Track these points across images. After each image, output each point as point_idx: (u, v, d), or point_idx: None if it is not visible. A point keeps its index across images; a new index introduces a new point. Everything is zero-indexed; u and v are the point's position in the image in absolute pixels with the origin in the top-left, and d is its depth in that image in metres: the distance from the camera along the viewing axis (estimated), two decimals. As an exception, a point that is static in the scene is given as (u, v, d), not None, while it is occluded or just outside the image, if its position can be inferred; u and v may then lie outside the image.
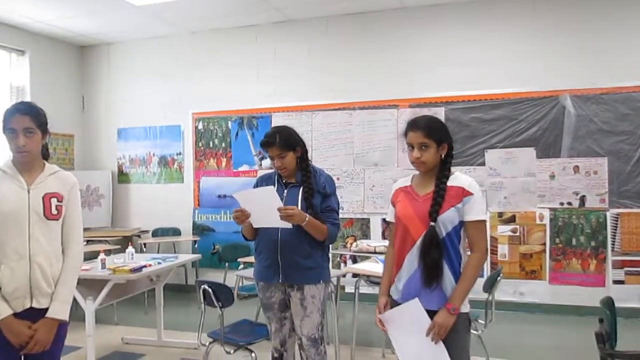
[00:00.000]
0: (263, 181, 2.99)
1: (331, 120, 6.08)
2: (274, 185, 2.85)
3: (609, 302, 2.50)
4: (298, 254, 2.79)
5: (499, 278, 3.70)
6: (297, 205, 2.77)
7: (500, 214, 5.60)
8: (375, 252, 4.48)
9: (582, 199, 5.37)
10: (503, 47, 5.61)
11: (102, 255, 4.11)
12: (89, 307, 3.88)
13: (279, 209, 2.63)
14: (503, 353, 4.18)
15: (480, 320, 3.62)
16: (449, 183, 2.27)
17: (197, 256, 5.13)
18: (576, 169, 5.37)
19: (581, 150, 5.35)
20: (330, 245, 2.96)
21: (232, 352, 3.30)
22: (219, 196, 6.64)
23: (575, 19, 5.40)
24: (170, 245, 6.61)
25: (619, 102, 5.24)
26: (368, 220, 6.00)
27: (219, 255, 6.25)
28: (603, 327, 2.38)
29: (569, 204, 5.41)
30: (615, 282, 5.28)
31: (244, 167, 6.52)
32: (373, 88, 5.95)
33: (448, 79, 5.71)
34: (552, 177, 5.44)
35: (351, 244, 5.04)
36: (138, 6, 5.75)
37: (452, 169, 2.34)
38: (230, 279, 5.10)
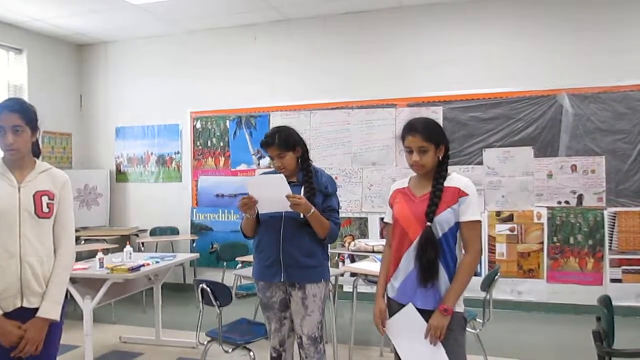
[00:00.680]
0: None
1: (329, 120, 6.08)
2: None
3: (606, 301, 2.50)
4: (300, 252, 2.79)
5: (496, 277, 3.71)
6: None
7: (498, 213, 5.61)
8: (373, 252, 4.48)
9: (580, 198, 5.38)
10: (501, 46, 5.62)
11: (100, 254, 4.11)
12: (87, 306, 3.88)
13: (287, 196, 2.64)
14: (501, 352, 4.19)
15: (478, 319, 3.63)
16: (446, 184, 2.28)
17: (195, 255, 5.12)
18: (574, 167, 5.38)
19: (579, 149, 5.37)
20: (329, 245, 2.96)
21: (230, 351, 3.30)
22: (217, 195, 6.63)
23: (573, 18, 5.42)
24: (168, 244, 6.61)
25: (617, 101, 5.25)
26: (366, 219, 6.01)
27: (217, 254, 6.26)
28: (600, 326, 2.39)
29: (567, 202, 5.42)
30: (613, 280, 5.30)
31: (242, 166, 6.52)
32: (371, 87, 5.96)
33: (446, 78, 5.72)
34: (550, 176, 5.45)
35: (349, 243, 5.04)
36: (136, 5, 5.74)
37: (450, 168, 2.37)
38: (228, 278, 5.10)
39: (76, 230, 6.06)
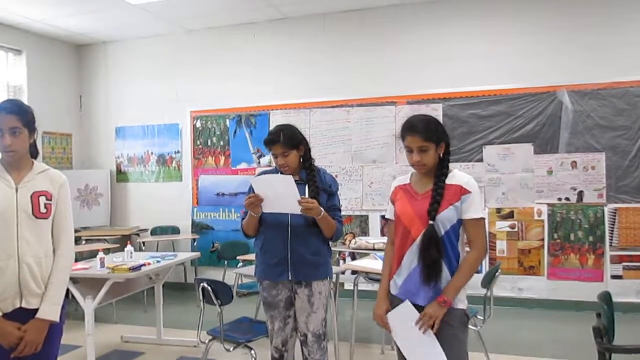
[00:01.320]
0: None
1: (329, 118, 6.08)
2: None
3: (606, 297, 2.51)
4: (308, 250, 2.81)
5: (497, 274, 3.71)
6: None
7: (498, 210, 5.61)
8: (374, 249, 4.49)
9: (580, 194, 5.38)
10: (501, 43, 5.62)
11: (100, 254, 4.11)
12: (88, 305, 3.88)
13: (299, 201, 2.66)
14: (501, 348, 4.20)
15: (478, 316, 3.64)
16: (447, 181, 2.27)
17: (196, 254, 5.13)
18: (574, 164, 5.38)
19: (579, 146, 5.36)
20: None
21: (231, 349, 3.30)
22: (218, 194, 6.64)
23: (573, 14, 5.41)
24: (169, 243, 6.61)
25: (617, 97, 5.25)
26: (367, 217, 6.01)
27: (217, 253, 6.26)
28: (601, 322, 2.39)
29: (567, 199, 5.42)
30: (613, 277, 5.30)
31: (243, 165, 6.52)
32: (371, 85, 5.95)
33: (446, 75, 5.71)
34: (550, 172, 5.45)
35: (350, 241, 5.04)
36: (135, 5, 5.74)
37: (451, 165, 2.35)
38: (229, 277, 5.11)
39: (77, 231, 6.13)
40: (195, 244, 6.54)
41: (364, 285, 4.40)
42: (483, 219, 2.29)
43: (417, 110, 5.42)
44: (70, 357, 4.30)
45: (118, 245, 5.91)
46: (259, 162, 6.43)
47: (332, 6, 5.95)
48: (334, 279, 4.17)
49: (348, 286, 5.48)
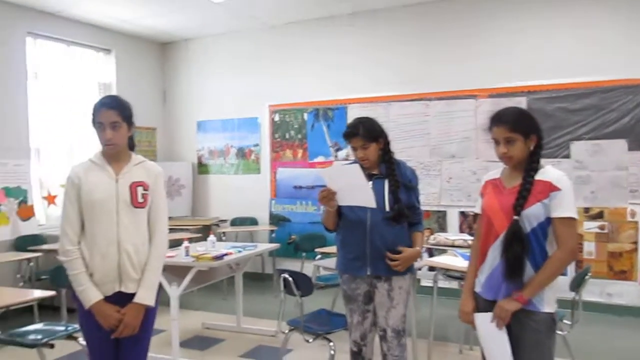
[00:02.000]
0: None
1: (407, 111, 5.99)
2: None
3: None
4: (387, 245, 2.77)
5: (587, 276, 3.52)
6: (383, 198, 2.76)
7: (586, 210, 5.31)
8: (453, 246, 4.38)
9: (680, 194, 4.99)
10: (592, 31, 5.27)
11: (185, 243, 4.27)
12: (174, 292, 4.05)
13: (389, 260, 2.73)
14: (588, 356, 3.98)
15: (565, 321, 3.46)
16: (538, 177, 2.18)
17: (276, 245, 5.21)
18: (673, 161, 4.99)
19: (679, 142, 4.98)
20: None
21: (311, 340, 3.34)
22: (295, 187, 6.72)
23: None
24: (248, 234, 6.78)
25: None
26: (445, 213, 5.87)
27: (295, 245, 6.34)
28: None
29: (665, 199, 5.05)
30: None
31: (320, 159, 6.56)
32: (450, 78, 5.80)
33: (530, 66, 5.46)
34: (646, 170, 5.09)
35: (428, 236, 4.95)
36: (216, 3, 5.90)
37: (542, 161, 2.25)
38: (307, 268, 5.16)
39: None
40: (273, 235, 6.66)
41: (442, 283, 4.31)
42: (574, 219, 2.14)
43: (498, 104, 5.17)
44: (155, 340, 4.45)
45: (200, 235, 6.12)
46: (336, 156, 6.45)
47: (412, -2, 5.85)
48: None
49: (424, 282, 5.40)
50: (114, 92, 6.71)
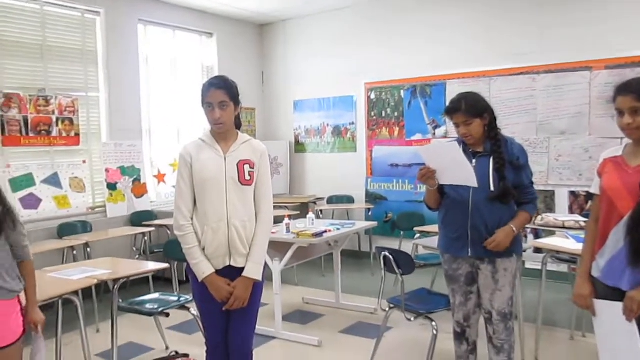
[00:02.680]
0: None
1: (512, 86, 5.68)
2: None
3: None
4: (489, 227, 2.66)
5: None
6: (487, 177, 2.64)
7: None
8: (564, 227, 4.13)
9: None
10: None
11: (287, 220, 4.39)
12: (276, 267, 4.18)
13: (485, 245, 2.63)
14: None
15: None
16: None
17: (373, 224, 5.21)
18: None
19: None
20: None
21: (412, 319, 3.31)
22: (392, 165, 6.65)
23: None
24: (344, 212, 6.83)
25: None
26: (552, 192, 5.54)
27: (392, 224, 6.31)
28: None
29: None
30: None
31: (417, 136, 6.43)
32: (560, 49, 5.39)
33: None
34: None
35: (535, 217, 4.70)
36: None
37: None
38: (405, 247, 5.11)
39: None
40: (369, 213, 6.66)
41: (550, 265, 4.09)
42: None
43: (617, 76, 4.81)
44: (260, 313, 4.62)
45: (298, 212, 6.25)
46: (434, 133, 6.28)
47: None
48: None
49: (529, 265, 5.17)
50: (216, 74, 6.92)
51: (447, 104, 2.78)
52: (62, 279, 3.16)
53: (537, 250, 4.29)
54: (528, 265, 5.18)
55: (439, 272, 4.65)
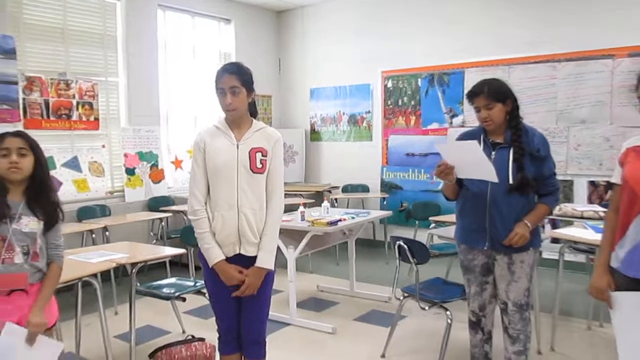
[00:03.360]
0: (467, 138, 2.77)
1: (531, 75, 5.60)
2: (480, 145, 2.66)
3: None
4: (507, 222, 2.62)
5: None
6: (506, 169, 2.60)
7: None
8: (582, 217, 4.08)
9: None
10: None
11: (301, 208, 4.40)
12: (290, 255, 4.20)
13: (505, 243, 2.59)
14: None
15: None
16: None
17: (388, 213, 5.20)
18: None
19: None
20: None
21: (427, 308, 3.31)
22: (407, 154, 6.62)
23: None
24: (359, 201, 6.82)
25: None
26: (571, 182, 5.48)
27: (406, 213, 6.30)
28: None
29: None
30: None
31: (434, 125, 6.38)
32: (581, 36, 5.30)
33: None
34: None
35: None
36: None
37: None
38: (419, 236, 5.10)
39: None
40: (384, 202, 6.64)
41: (567, 256, 4.05)
42: None
43: None
44: (273, 300, 4.61)
45: (313, 200, 6.26)
46: (451, 122, 6.23)
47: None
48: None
49: (545, 255, 5.13)
50: (233, 61, 6.93)
51: (470, 88, 2.71)
52: (81, 261, 3.20)
53: (555, 240, 4.24)
54: (545, 255, 5.15)
55: (454, 261, 4.63)
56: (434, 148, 6.33)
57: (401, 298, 3.52)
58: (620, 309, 2.10)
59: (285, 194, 7.13)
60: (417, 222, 5.70)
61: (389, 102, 6.76)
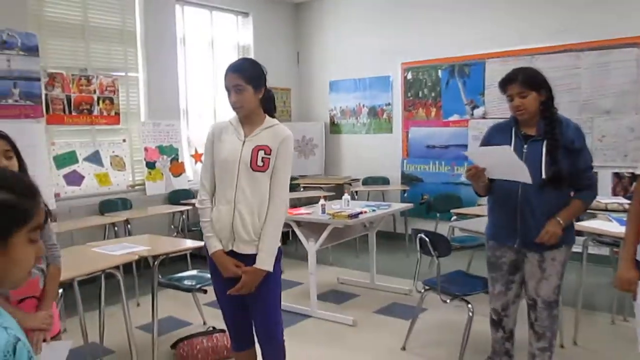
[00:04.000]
0: (497, 132, 2.72)
1: (554, 65, 5.49)
2: (511, 138, 2.61)
3: None
4: (541, 217, 2.54)
5: None
6: (540, 163, 2.51)
7: None
8: (606, 210, 4.01)
9: None
10: None
11: (322, 201, 4.39)
12: (311, 247, 4.20)
13: (537, 241, 2.53)
14: None
15: None
16: None
17: (409, 205, 5.17)
18: None
19: None
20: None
21: (448, 301, 3.29)
22: (428, 146, 6.57)
23: None
24: (379, 193, 6.79)
25: None
26: (595, 174, 5.36)
27: (427, 205, 6.25)
28: None
29: None
30: None
31: (455, 117, 6.32)
32: (606, 25, 5.18)
33: None
34: None
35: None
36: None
37: None
38: (440, 229, 5.07)
39: (295, 178, 6.59)
40: (405, 195, 6.61)
41: (591, 249, 3.99)
42: None
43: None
44: (296, 292, 4.73)
45: (333, 193, 6.25)
46: (472, 114, 6.16)
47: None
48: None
49: (569, 248, 5.05)
50: (251, 55, 6.94)
51: (504, 76, 2.62)
52: (104, 254, 3.25)
53: (578, 233, 4.17)
54: (568, 249, 5.07)
55: (475, 254, 4.60)
56: (455, 140, 6.27)
57: (422, 291, 3.50)
58: None
59: (305, 187, 7.17)
60: (438, 214, 5.65)
61: (409, 94, 6.70)
